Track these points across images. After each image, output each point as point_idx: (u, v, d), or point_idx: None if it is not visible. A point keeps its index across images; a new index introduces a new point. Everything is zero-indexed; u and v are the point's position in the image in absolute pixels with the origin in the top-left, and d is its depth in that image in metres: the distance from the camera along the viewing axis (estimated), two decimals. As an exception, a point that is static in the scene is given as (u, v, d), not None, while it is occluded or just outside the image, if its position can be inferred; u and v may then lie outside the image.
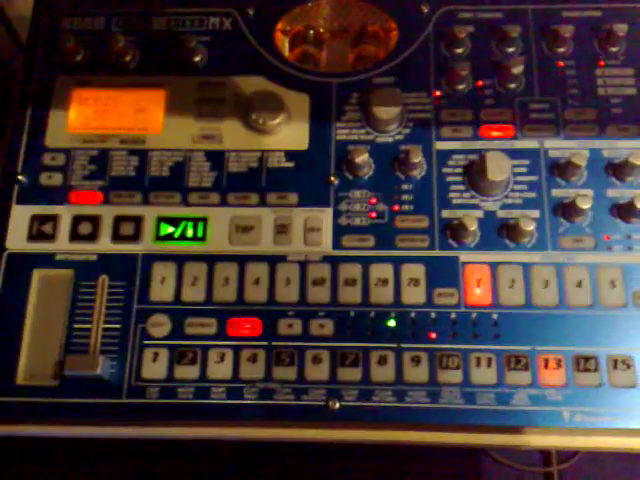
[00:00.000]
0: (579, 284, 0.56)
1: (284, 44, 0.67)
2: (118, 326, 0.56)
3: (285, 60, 0.65)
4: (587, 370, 0.54)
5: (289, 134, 0.62)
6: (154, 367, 0.55)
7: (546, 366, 0.54)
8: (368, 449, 0.75)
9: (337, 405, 0.54)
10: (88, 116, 0.63)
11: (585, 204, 0.57)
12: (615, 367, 0.54)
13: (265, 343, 0.55)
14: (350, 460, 0.77)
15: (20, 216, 0.59)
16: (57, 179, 0.61)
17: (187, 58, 0.64)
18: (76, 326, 0.56)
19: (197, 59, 0.64)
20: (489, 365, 0.54)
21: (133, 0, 0.67)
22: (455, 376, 0.54)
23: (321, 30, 0.68)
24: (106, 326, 0.56)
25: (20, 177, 0.60)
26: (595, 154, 0.60)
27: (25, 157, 0.61)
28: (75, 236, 0.59)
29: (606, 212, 0.58)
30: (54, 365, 0.55)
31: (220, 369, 0.55)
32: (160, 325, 0.56)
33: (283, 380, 0.54)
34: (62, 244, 0.59)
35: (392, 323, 0.56)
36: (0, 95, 0.73)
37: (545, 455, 0.77)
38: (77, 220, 0.59)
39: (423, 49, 0.64)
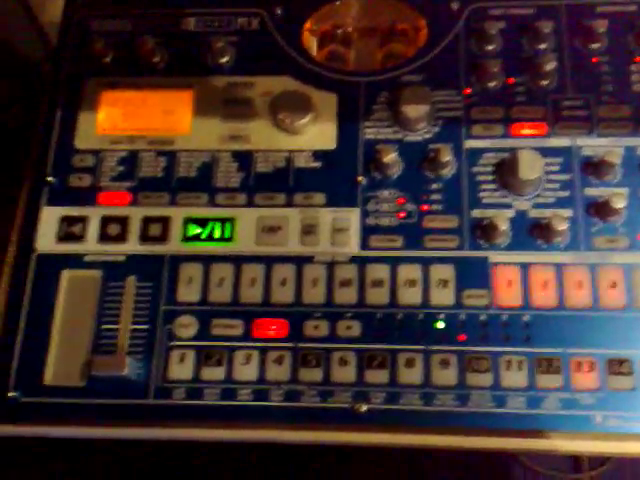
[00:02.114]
0: (613, 285, 0.55)
1: (312, 44, 0.67)
2: (145, 327, 0.56)
3: (313, 59, 0.64)
4: (621, 373, 0.53)
5: (317, 134, 0.61)
6: (181, 368, 0.55)
7: (578, 369, 0.53)
8: (394, 455, 0.75)
9: (364, 408, 0.53)
10: (117, 118, 0.63)
11: (620, 203, 0.55)
12: (650, 370, 0.53)
13: (291, 344, 0.55)
14: (374, 465, 0.76)
15: (50, 217, 0.60)
16: (86, 180, 0.61)
17: (215, 59, 0.64)
18: (104, 327, 0.56)
19: (225, 60, 0.64)
20: (520, 368, 0.53)
21: (161, 1, 0.67)
22: (485, 379, 0.53)
23: (349, 29, 0.68)
24: (133, 327, 0.56)
25: (50, 179, 0.61)
26: (630, 152, 0.58)
27: (55, 159, 0.62)
28: (104, 237, 0.59)
29: (641, 211, 0.57)
30: (82, 365, 0.55)
31: (246, 371, 0.54)
32: (187, 326, 0.56)
33: (309, 382, 0.54)
34: (91, 245, 0.59)
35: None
36: (31, 99, 0.74)
37: (576, 461, 0.75)
38: (106, 221, 0.59)
39: (453, 46, 0.63)
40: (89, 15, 0.67)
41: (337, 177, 0.60)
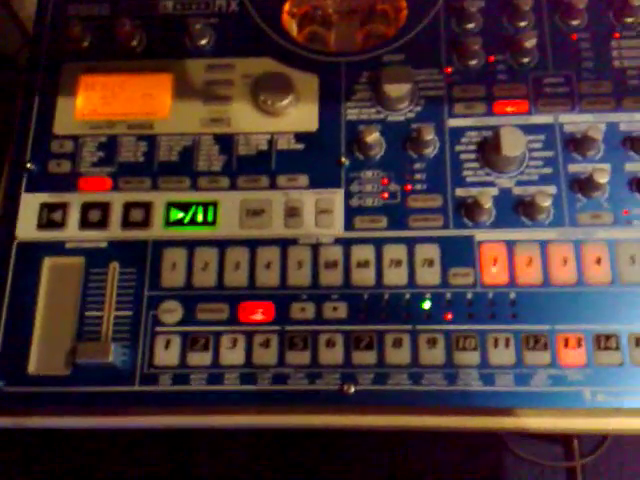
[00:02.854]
0: (598, 261, 0.55)
1: (292, 25, 0.66)
2: (129, 313, 0.55)
3: (293, 41, 0.64)
4: (608, 349, 0.53)
5: (298, 115, 0.61)
6: (166, 354, 0.54)
7: (566, 345, 0.53)
8: (384, 443, 0.74)
9: (352, 389, 0.53)
10: (95, 102, 0.62)
11: (602, 178, 0.55)
12: (637, 345, 0.53)
13: (278, 328, 0.55)
14: (365, 452, 0.76)
15: (29, 204, 0.59)
16: (66, 166, 0.60)
17: (194, 41, 0.63)
18: (87, 314, 0.56)
19: (204, 42, 0.63)
20: (507, 345, 0.53)
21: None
22: (472, 357, 0.53)
23: (329, 10, 0.67)
24: (117, 313, 0.55)
25: (29, 165, 0.60)
26: (612, 128, 0.58)
27: (33, 145, 0.61)
28: (85, 223, 0.58)
29: (624, 186, 0.57)
30: (66, 353, 0.55)
31: (233, 355, 0.54)
32: (172, 311, 0.55)
33: (297, 365, 0.54)
34: (72, 232, 0.58)
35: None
36: (9, 89, 0.73)
37: (567, 449, 0.76)
38: (87, 207, 0.59)
39: (433, 25, 0.63)
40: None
41: (320, 158, 0.59)
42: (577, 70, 0.60)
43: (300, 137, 0.60)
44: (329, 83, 0.62)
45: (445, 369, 0.53)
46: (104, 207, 0.58)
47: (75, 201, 0.59)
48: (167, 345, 0.54)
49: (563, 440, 0.75)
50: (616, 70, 0.60)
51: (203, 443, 0.77)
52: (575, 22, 0.61)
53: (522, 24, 0.62)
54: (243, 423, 0.54)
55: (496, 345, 0.53)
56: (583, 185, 0.57)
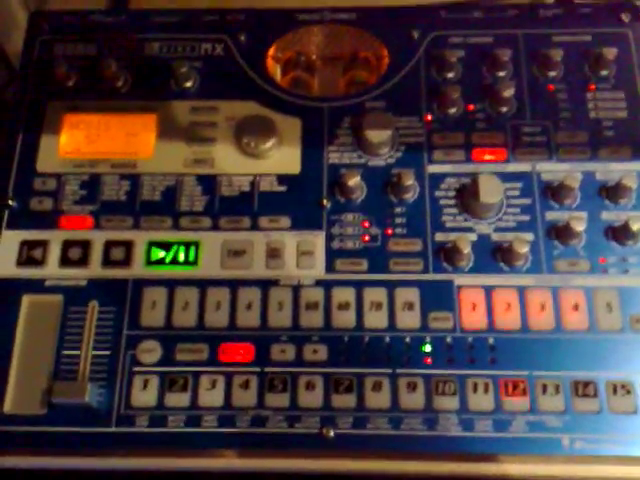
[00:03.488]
0: (575, 307, 0.56)
1: (276, 70, 0.67)
2: (107, 352, 0.55)
3: (277, 85, 0.65)
4: (586, 396, 0.53)
5: (281, 158, 0.61)
6: (144, 394, 0.54)
7: (544, 391, 0.53)
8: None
9: (331, 433, 0.52)
10: (79, 141, 0.62)
11: (579, 226, 0.56)
12: (615, 393, 0.53)
13: (258, 369, 0.54)
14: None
15: (9, 241, 0.59)
16: (47, 204, 0.60)
17: (179, 83, 0.64)
18: (65, 352, 0.55)
19: (188, 84, 0.64)
20: (486, 391, 0.53)
21: (125, 27, 0.67)
22: (452, 402, 0.53)
23: (313, 56, 0.68)
24: (95, 353, 0.55)
25: (10, 202, 0.60)
26: (588, 177, 0.60)
27: (15, 182, 0.61)
28: (65, 261, 0.58)
29: (601, 235, 0.58)
30: (42, 393, 0.54)
31: (212, 396, 0.53)
32: (150, 351, 0.55)
33: (276, 407, 0.53)
34: (52, 269, 0.58)
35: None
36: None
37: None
38: (67, 245, 0.58)
39: (414, 74, 0.64)
40: (52, 39, 0.67)
41: (302, 201, 0.60)
42: (554, 120, 0.62)
43: (282, 179, 0.61)
44: (312, 127, 0.62)
45: (425, 414, 0.53)
46: (85, 245, 0.58)
47: (56, 239, 0.59)
48: (145, 385, 0.54)
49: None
50: (592, 121, 0.62)
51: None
52: (552, 73, 0.63)
53: (501, 74, 0.63)
54: (221, 466, 0.53)
55: (475, 390, 0.53)
56: (560, 232, 0.58)
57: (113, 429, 0.53)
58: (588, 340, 0.55)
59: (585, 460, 0.53)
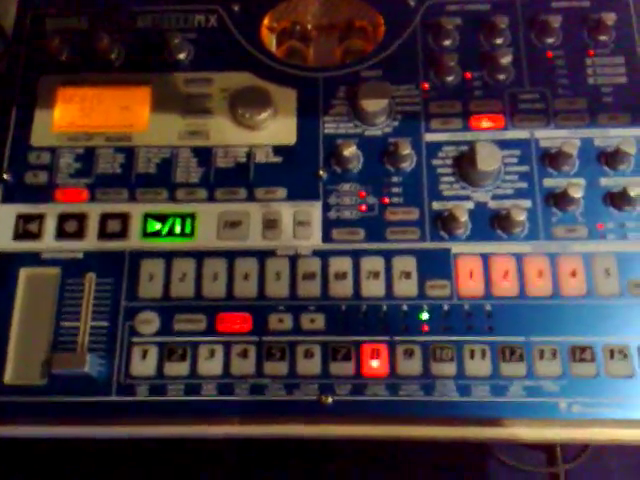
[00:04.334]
0: (573, 273, 0.56)
1: (271, 40, 0.67)
2: (106, 324, 0.55)
3: (271, 55, 0.64)
4: (583, 360, 0.53)
5: (276, 129, 0.61)
6: (143, 364, 0.54)
7: (541, 357, 0.53)
8: (367, 452, 0.74)
9: (330, 400, 0.53)
10: (73, 114, 0.62)
11: (577, 193, 0.56)
12: (612, 357, 0.53)
13: (255, 338, 0.54)
14: (348, 463, 0.75)
15: (5, 215, 0.59)
16: (43, 177, 0.60)
17: (172, 55, 0.63)
18: (64, 324, 0.55)
19: (182, 56, 0.63)
20: (483, 357, 0.53)
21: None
22: (449, 368, 0.53)
23: (308, 26, 0.68)
24: (94, 324, 0.55)
25: (5, 176, 0.59)
26: (586, 143, 0.59)
27: (10, 156, 0.60)
28: (61, 234, 0.58)
29: (599, 201, 0.58)
30: (42, 364, 0.54)
31: (210, 365, 0.54)
32: (148, 322, 0.55)
33: (274, 375, 0.53)
34: (48, 242, 0.58)
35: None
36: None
37: (550, 455, 0.76)
38: (63, 218, 0.58)
39: (410, 42, 0.64)
40: (44, 12, 0.66)
41: (298, 172, 0.60)
42: (552, 87, 0.61)
43: (278, 150, 0.60)
44: (307, 97, 0.62)
45: (422, 380, 0.53)
46: (81, 218, 0.58)
47: (52, 212, 0.59)
48: (144, 355, 0.54)
49: (546, 447, 0.75)
50: (590, 87, 0.61)
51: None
52: (550, 40, 0.63)
53: (498, 41, 0.63)
54: (221, 433, 0.53)
55: (472, 356, 0.53)
56: (558, 199, 0.57)
57: (113, 398, 0.53)
58: (586, 305, 0.55)
59: (582, 424, 0.53)
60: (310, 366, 0.53)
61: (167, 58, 0.64)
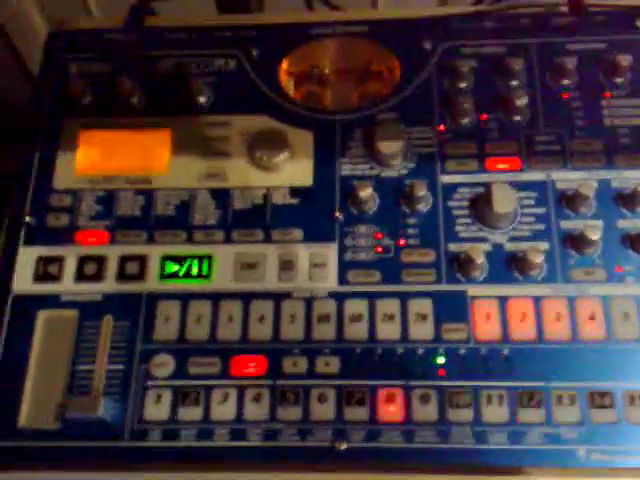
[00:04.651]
0: (592, 317, 0.55)
1: (289, 84, 0.68)
2: (121, 367, 0.55)
3: (289, 98, 0.65)
4: (603, 406, 0.52)
5: (293, 171, 0.62)
6: (157, 408, 0.54)
7: (560, 403, 0.53)
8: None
9: (344, 446, 0.52)
10: (95, 157, 0.63)
11: (594, 235, 0.55)
12: (632, 403, 0.52)
13: (270, 382, 0.54)
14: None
15: (27, 257, 0.60)
16: (64, 220, 0.61)
17: (192, 99, 0.64)
18: (79, 367, 0.55)
19: (202, 99, 0.65)
20: (500, 403, 0.53)
21: (140, 45, 0.68)
22: (465, 414, 0.53)
23: (325, 70, 0.69)
24: (110, 367, 0.55)
25: (28, 219, 0.60)
26: (604, 185, 0.59)
27: (33, 199, 0.62)
28: (81, 276, 0.59)
29: (617, 243, 0.57)
30: (56, 407, 0.54)
31: (224, 410, 0.54)
32: (163, 365, 0.55)
33: (288, 420, 0.53)
34: (68, 285, 0.58)
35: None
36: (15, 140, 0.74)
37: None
38: (83, 260, 0.59)
39: (426, 84, 0.64)
40: (68, 57, 0.68)
41: (314, 213, 0.60)
42: (568, 128, 0.61)
43: (295, 192, 0.61)
44: (324, 140, 0.63)
45: (438, 426, 0.52)
46: (100, 260, 0.59)
47: (71, 254, 0.59)
48: (158, 400, 0.54)
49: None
50: (607, 128, 0.61)
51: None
52: (566, 81, 0.63)
53: (514, 83, 0.63)
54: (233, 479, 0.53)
55: (489, 402, 0.53)
56: (575, 241, 0.57)
57: (126, 443, 0.53)
58: (605, 350, 0.54)
59: (602, 472, 0.52)
60: (324, 411, 0.53)
61: (187, 102, 0.65)
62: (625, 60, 0.61)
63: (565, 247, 0.57)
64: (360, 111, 0.64)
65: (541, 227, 0.58)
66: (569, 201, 0.58)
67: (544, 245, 0.57)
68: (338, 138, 0.63)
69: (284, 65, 0.67)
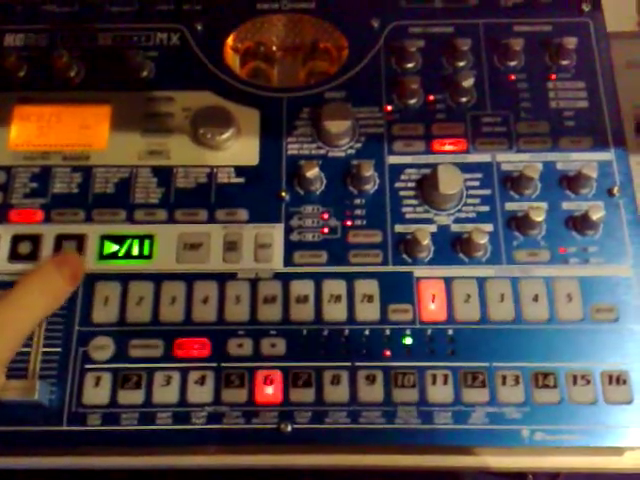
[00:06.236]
0: (535, 298, 0.55)
1: (234, 60, 0.66)
2: (58, 349, 0.53)
3: (235, 75, 0.63)
4: (546, 387, 0.53)
5: (239, 149, 0.60)
6: (96, 392, 0.52)
7: (504, 383, 0.53)
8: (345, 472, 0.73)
9: (289, 428, 0.51)
10: (30, 133, 0.61)
11: (538, 216, 0.56)
12: (575, 383, 0.53)
13: (214, 364, 0.53)
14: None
15: (-43, 236, 0.57)
16: (-4, 197, 0.58)
17: (133, 73, 0.62)
18: (14, 350, 0.53)
19: (144, 74, 0.62)
20: (445, 382, 0.53)
21: (79, 16, 0.65)
22: (411, 395, 0.52)
23: (272, 47, 0.67)
24: (46, 349, 0.53)
25: (-42, 196, 0.58)
26: (548, 167, 0.59)
27: None
28: (14, 256, 0.56)
29: (561, 225, 0.58)
30: (-10, 391, 0.52)
31: (166, 393, 0.52)
32: (103, 348, 0.53)
33: (233, 403, 0.52)
34: (1, 264, 0.56)
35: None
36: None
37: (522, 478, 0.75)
38: (17, 239, 0.57)
39: (374, 64, 0.63)
40: (3, 29, 0.65)
41: (260, 193, 0.59)
42: (514, 110, 0.61)
43: (240, 171, 0.59)
44: (270, 118, 0.61)
45: (383, 407, 0.52)
46: (35, 239, 0.57)
47: (5, 233, 0.57)
48: (97, 383, 0.52)
49: (518, 474, 0.74)
50: (552, 110, 0.61)
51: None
52: (512, 63, 0.63)
53: (461, 64, 0.63)
54: (175, 464, 0.52)
55: (434, 382, 0.53)
56: (520, 223, 0.57)
57: (64, 427, 0.51)
58: (548, 331, 0.54)
59: (545, 451, 0.52)
60: (269, 393, 0.52)
61: (128, 76, 0.63)
62: (571, 43, 0.62)
63: (509, 229, 0.57)
64: (307, 89, 0.63)
65: (486, 208, 0.58)
66: (514, 183, 0.59)
67: (489, 226, 0.57)
68: (285, 116, 0.61)
69: (230, 41, 0.65)
